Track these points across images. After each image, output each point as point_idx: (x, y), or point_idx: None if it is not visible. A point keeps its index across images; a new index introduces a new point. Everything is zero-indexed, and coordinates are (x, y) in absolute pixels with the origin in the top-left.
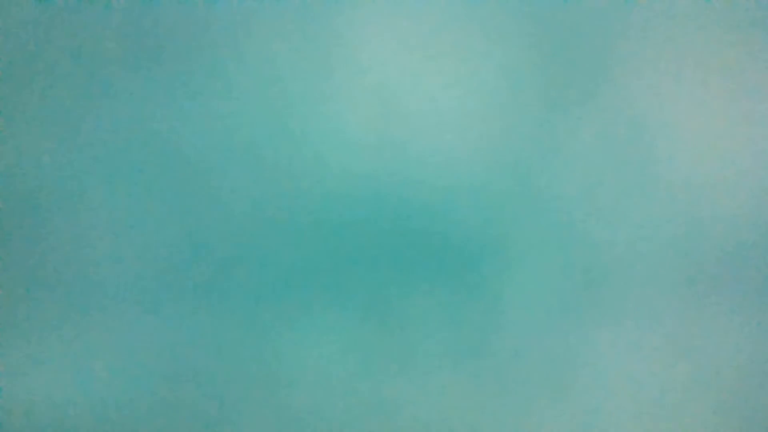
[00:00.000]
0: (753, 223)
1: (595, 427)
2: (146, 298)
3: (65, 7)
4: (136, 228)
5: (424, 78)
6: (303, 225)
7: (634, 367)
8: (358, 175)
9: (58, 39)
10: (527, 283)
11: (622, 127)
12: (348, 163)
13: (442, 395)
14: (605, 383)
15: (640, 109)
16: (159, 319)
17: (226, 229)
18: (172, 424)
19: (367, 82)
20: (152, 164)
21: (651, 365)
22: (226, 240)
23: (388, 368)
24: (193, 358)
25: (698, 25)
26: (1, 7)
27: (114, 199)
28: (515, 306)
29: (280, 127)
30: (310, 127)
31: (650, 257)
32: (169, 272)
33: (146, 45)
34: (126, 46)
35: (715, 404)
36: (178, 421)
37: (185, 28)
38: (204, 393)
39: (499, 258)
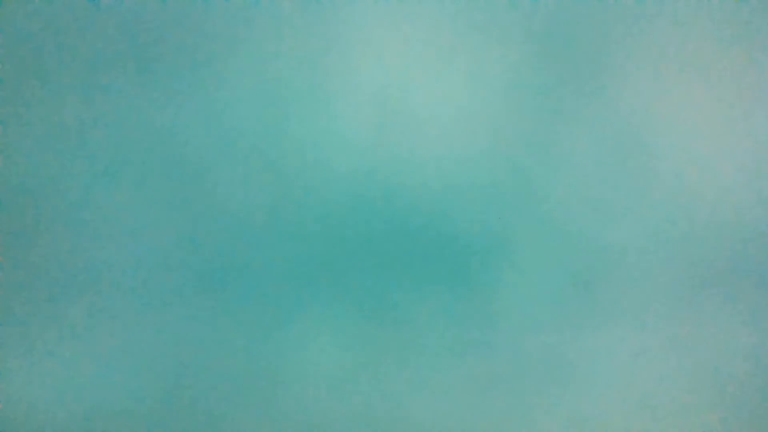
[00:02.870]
0: (753, 223)
1: (594, 427)
2: (145, 297)
3: (65, 7)
4: (136, 228)
5: (424, 79)
6: (303, 225)
7: (633, 367)
8: (358, 174)
9: (59, 39)
10: (526, 283)
11: (622, 129)
12: (347, 163)
13: (441, 394)
14: (604, 383)
15: (641, 111)
16: (158, 318)
17: (226, 230)
18: (172, 423)
19: (366, 83)
20: (151, 165)
21: (650, 365)
22: (225, 240)
23: (388, 367)
24: (193, 357)
25: (698, 26)
26: (1, 7)
27: (113, 199)
28: (514, 305)
29: (279, 128)
30: (310, 127)
31: (650, 258)
32: (168, 272)
33: (146, 45)
34: (125, 46)
35: (714, 404)
36: (177, 420)
37: (185, 28)
38: (203, 392)
39: (499, 258)
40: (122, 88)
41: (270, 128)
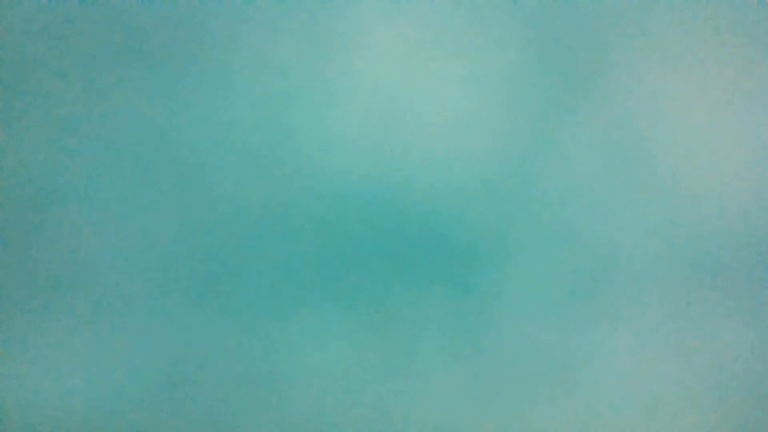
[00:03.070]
0: (753, 223)
1: (594, 427)
2: (146, 298)
3: (65, 7)
4: (135, 228)
5: (424, 79)
6: (303, 225)
7: (633, 366)
8: (358, 175)
9: (59, 39)
10: (526, 283)
11: (622, 128)
12: (346, 164)
13: (440, 395)
14: (604, 383)
15: (640, 110)
16: (158, 318)
17: (226, 230)
18: (172, 423)
19: (366, 83)
20: (151, 165)
21: (650, 365)
22: (225, 240)
23: (387, 368)
24: (193, 357)
25: (698, 26)
26: (1, 8)
27: (113, 199)
28: (514, 306)
29: (280, 128)
30: (310, 127)
31: (649, 257)
32: (168, 272)
33: (146, 45)
34: (126, 46)
35: (714, 404)
36: (177, 420)
37: (185, 28)
38: (203, 393)
39: (499, 258)
40: (122, 87)
41: (270, 128)
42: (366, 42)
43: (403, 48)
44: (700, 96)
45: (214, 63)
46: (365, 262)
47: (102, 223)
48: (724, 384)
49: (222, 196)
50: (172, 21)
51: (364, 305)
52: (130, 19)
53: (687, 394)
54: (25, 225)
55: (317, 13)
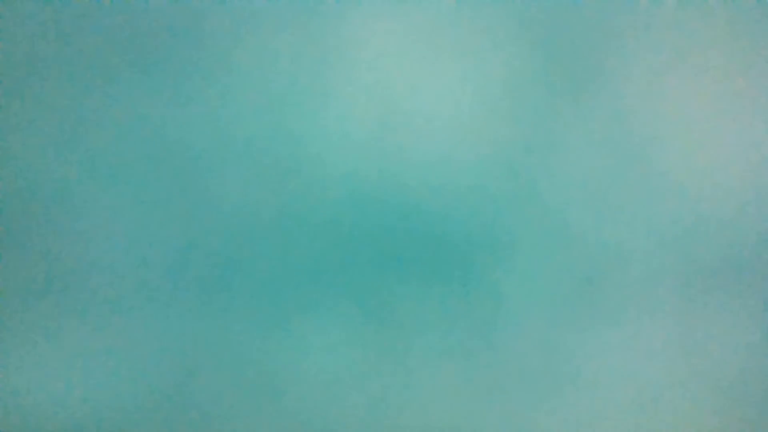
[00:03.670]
0: (753, 223)
1: (594, 427)
2: (146, 298)
3: (65, 7)
4: (136, 228)
5: (423, 79)
6: (302, 225)
7: (633, 366)
8: (358, 175)
9: (58, 39)
10: (526, 283)
11: (621, 128)
12: (347, 164)
13: (440, 394)
14: (604, 383)
15: (640, 110)
16: (159, 318)
17: (226, 230)
18: (172, 423)
19: (366, 83)
20: (151, 165)
21: (650, 365)
22: (225, 240)
23: (387, 368)
24: (193, 357)
25: (697, 26)
26: (1, 7)
27: (113, 200)
28: (514, 305)
29: (279, 129)
30: (310, 128)
31: (649, 257)
32: (168, 272)
33: (146, 46)
34: (126, 47)
35: (714, 404)
36: (177, 420)
37: (185, 28)
38: (203, 393)
39: (498, 258)
40: (122, 88)
41: (270, 128)
42: (366, 42)
43: (403, 48)
44: (701, 96)
45: (215, 63)
46: (366, 262)
47: (103, 224)
48: (724, 384)
49: (223, 196)
50: (173, 22)
51: (364, 305)
52: (130, 20)
53: (687, 394)
54: (25, 225)
55: (317, 13)
